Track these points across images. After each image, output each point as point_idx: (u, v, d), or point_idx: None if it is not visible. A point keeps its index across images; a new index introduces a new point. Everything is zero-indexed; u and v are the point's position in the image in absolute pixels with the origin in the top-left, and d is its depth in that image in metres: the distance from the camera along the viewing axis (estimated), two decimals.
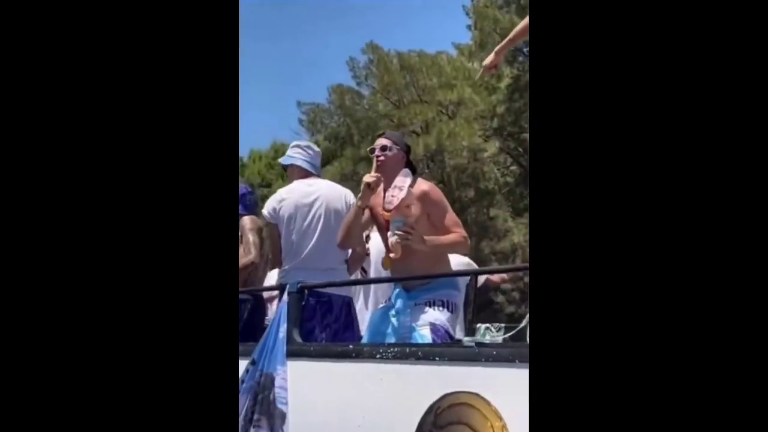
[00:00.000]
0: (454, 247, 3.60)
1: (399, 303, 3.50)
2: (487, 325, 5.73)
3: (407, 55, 22.22)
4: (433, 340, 3.31)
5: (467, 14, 21.87)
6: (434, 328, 3.36)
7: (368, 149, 3.89)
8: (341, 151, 21.88)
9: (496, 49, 3.67)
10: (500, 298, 18.39)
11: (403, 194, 3.38)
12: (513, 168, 21.80)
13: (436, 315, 3.39)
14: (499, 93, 20.84)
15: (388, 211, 3.43)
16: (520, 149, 21.10)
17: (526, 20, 3.43)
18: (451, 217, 3.55)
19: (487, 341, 5.69)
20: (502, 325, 5.86)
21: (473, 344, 2.85)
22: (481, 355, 2.80)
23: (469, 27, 21.90)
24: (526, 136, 19.32)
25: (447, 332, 3.38)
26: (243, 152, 28.23)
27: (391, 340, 3.46)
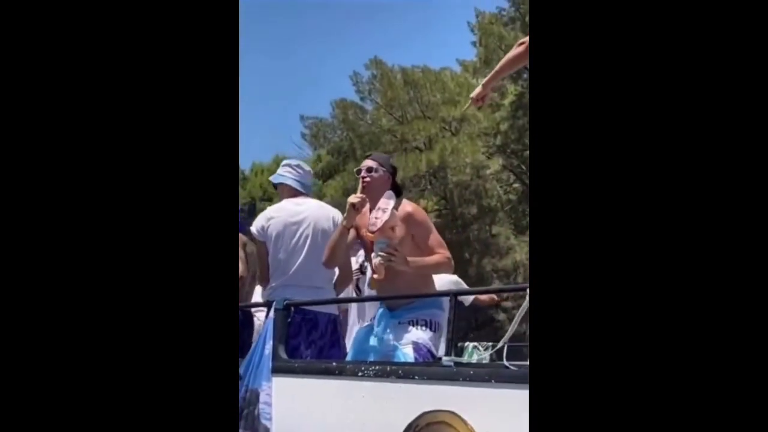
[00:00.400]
0: (438, 268, 3.64)
1: (383, 322, 3.54)
2: (475, 344, 5.81)
3: (411, 71, 22.31)
4: (416, 358, 3.34)
5: (472, 30, 22.00)
6: (417, 347, 3.38)
7: (355, 170, 3.93)
8: (344, 165, 21.93)
9: (484, 81, 3.63)
10: (502, 316, 18.42)
11: (386, 216, 3.42)
12: (516, 185, 21.84)
13: (418, 334, 3.42)
14: (502, 110, 20.92)
15: (372, 232, 3.47)
16: (523, 167, 21.14)
17: (513, 52, 3.42)
18: (435, 237, 3.59)
19: (474, 360, 5.75)
20: (490, 343, 5.94)
21: (452, 364, 2.89)
22: (459, 375, 2.84)
23: (473, 43, 22.05)
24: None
25: (429, 351, 3.41)
26: (245, 165, 28.32)
27: (374, 357, 3.50)
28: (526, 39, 3.30)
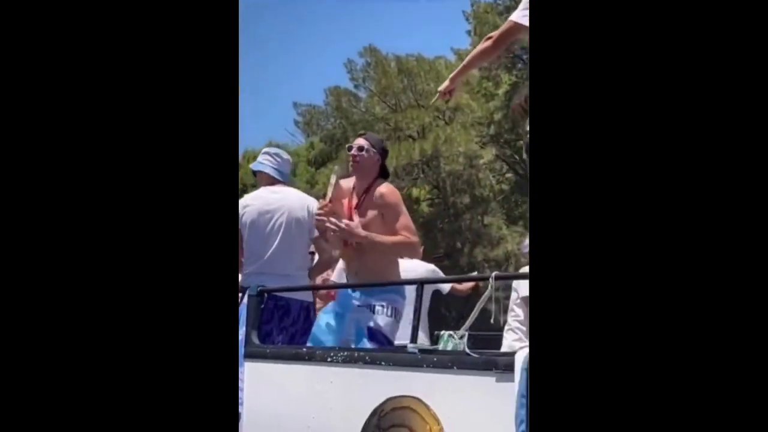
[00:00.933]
0: (399, 249, 3.70)
1: (344, 301, 3.66)
2: (450, 332, 5.85)
3: (405, 59, 22.30)
4: (369, 342, 3.44)
5: (467, 19, 21.99)
6: (371, 332, 3.50)
7: (346, 146, 3.99)
8: (336, 152, 21.96)
9: (451, 75, 3.67)
10: (493, 307, 18.43)
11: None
12: (508, 175, 21.88)
13: (376, 318, 3.53)
14: (496, 100, 20.94)
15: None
16: (516, 157, 21.19)
17: (481, 46, 3.45)
18: (403, 221, 3.64)
19: (449, 347, 5.81)
20: (465, 332, 5.98)
21: (416, 351, 2.95)
22: (422, 362, 2.91)
23: (468, 32, 22.04)
24: (522, 143, 19.39)
25: (385, 336, 3.50)
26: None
27: (333, 335, 3.61)
28: (494, 33, 3.36)
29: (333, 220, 3.57)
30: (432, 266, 5.81)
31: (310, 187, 18.24)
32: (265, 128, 48.88)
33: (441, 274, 5.95)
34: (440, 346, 5.73)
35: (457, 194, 21.56)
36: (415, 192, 21.04)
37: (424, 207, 21.92)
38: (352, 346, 3.50)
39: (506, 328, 5.18)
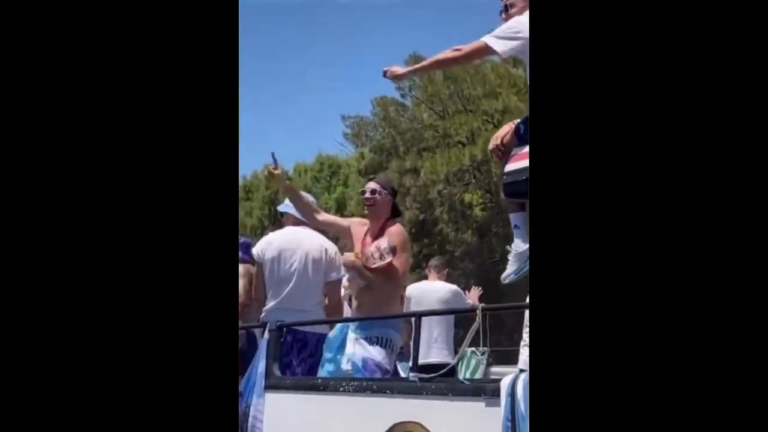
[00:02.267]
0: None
1: (344, 334, 4.01)
2: (473, 349, 6.08)
3: None
4: (362, 371, 3.77)
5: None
6: (365, 362, 3.82)
7: (359, 191, 4.34)
8: (387, 162, 22.16)
9: (410, 69, 3.69)
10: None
11: (381, 263, 3.93)
12: None
13: (370, 350, 3.85)
14: None
15: (366, 267, 3.98)
16: None
17: (448, 55, 3.42)
18: (400, 261, 4.04)
19: (472, 364, 6.05)
20: (486, 348, 6.22)
21: (416, 379, 3.17)
22: (422, 389, 3.13)
23: None
24: None
25: (377, 365, 3.82)
26: (288, 165, 28.64)
27: (332, 366, 3.99)
28: (464, 47, 3.33)
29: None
30: (454, 287, 6.06)
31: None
32: (315, 142, 49.38)
33: (462, 294, 6.17)
34: (464, 362, 5.99)
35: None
36: (467, 197, 21.08)
37: (478, 212, 21.95)
38: (353, 375, 3.78)
39: (522, 343, 5.35)
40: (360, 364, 3.80)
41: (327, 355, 4.05)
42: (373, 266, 3.93)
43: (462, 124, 21.31)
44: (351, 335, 3.95)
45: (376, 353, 3.83)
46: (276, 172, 4.27)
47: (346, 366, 3.87)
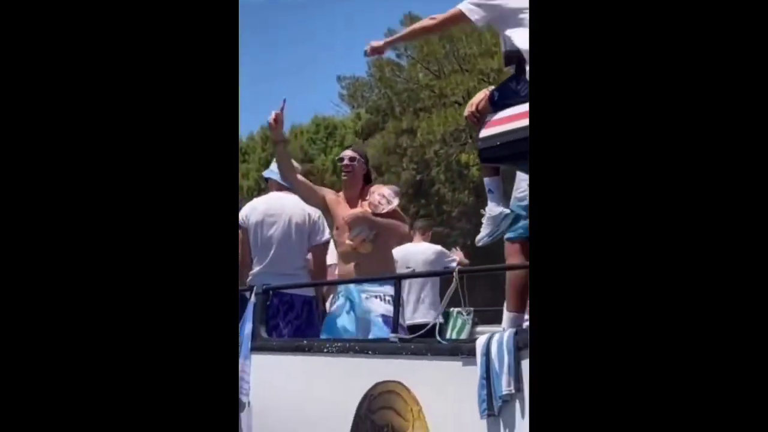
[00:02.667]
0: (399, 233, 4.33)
1: (352, 293, 4.02)
2: (459, 309, 6.18)
3: None
4: (384, 328, 3.79)
5: None
6: (385, 319, 3.86)
7: (336, 158, 4.45)
8: (383, 123, 22.13)
9: (388, 40, 3.77)
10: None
11: (390, 207, 4.12)
12: None
13: (385, 306, 3.94)
14: None
15: (375, 214, 4.13)
16: None
17: (424, 24, 3.48)
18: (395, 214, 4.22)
19: (458, 323, 6.15)
20: (471, 308, 6.32)
21: (397, 340, 3.25)
22: (402, 350, 3.22)
23: None
24: None
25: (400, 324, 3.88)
26: (285, 128, 28.45)
27: (352, 327, 3.95)
28: (438, 16, 3.38)
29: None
30: (438, 247, 6.14)
31: None
32: (311, 103, 49.11)
33: (447, 255, 6.24)
34: (450, 322, 6.10)
35: None
36: (464, 158, 21.07)
37: (474, 172, 21.95)
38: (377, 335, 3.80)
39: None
40: (381, 320, 3.86)
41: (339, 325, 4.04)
42: (383, 211, 4.10)
43: (458, 84, 21.20)
44: (360, 295, 3.98)
45: (386, 310, 3.92)
46: (279, 120, 4.28)
47: (365, 324, 3.90)
